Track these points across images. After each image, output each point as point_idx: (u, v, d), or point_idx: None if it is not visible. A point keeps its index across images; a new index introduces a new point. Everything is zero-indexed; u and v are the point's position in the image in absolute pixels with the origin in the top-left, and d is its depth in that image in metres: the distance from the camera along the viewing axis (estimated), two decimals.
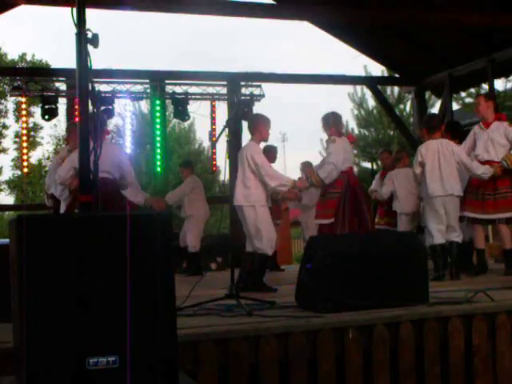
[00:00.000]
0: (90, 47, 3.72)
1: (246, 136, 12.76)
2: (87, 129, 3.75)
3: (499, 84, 22.71)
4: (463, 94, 18.07)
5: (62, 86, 12.31)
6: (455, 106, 16.84)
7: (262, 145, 7.91)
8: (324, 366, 4.63)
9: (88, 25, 3.75)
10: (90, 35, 3.68)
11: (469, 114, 18.05)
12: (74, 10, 3.69)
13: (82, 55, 3.62)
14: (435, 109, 18.32)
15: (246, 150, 7.46)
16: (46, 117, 12.00)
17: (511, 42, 11.92)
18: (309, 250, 5.56)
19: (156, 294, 3.22)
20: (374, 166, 13.76)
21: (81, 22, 3.65)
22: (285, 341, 4.56)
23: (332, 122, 8.08)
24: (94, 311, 3.08)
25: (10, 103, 30.41)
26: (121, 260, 3.18)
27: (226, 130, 6.36)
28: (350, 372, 4.71)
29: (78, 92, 3.69)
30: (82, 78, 3.63)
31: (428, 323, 4.98)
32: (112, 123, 21.19)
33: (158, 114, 12.51)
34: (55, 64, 33.33)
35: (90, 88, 3.83)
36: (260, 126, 7.62)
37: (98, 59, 3.83)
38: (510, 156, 8.18)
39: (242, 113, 11.94)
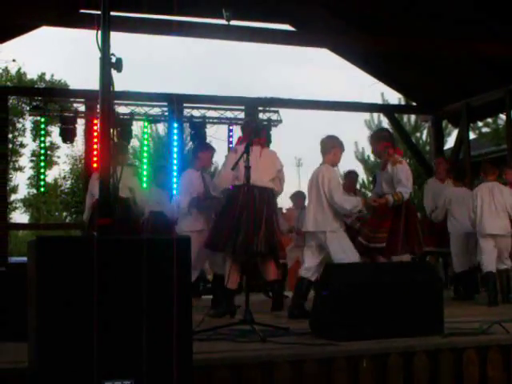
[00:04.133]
0: (113, 71, 3.75)
1: None
2: (109, 152, 3.77)
3: None
4: (480, 124, 18.05)
5: (81, 107, 12.39)
6: (472, 136, 16.82)
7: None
8: None
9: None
10: (113, 59, 3.71)
11: (485, 144, 18.04)
12: (99, 33, 3.72)
13: (105, 79, 3.65)
14: (452, 138, 18.30)
15: None
16: (64, 138, 12.09)
17: None
18: (325, 277, 5.55)
19: (172, 319, 3.23)
20: None
21: (105, 46, 3.68)
22: (299, 368, 4.55)
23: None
24: (110, 334, 3.08)
25: (27, 122, 30.69)
26: (138, 283, 3.19)
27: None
28: None
29: (100, 116, 3.72)
30: (104, 102, 3.66)
31: (443, 354, 4.95)
32: (129, 145, 21.29)
33: (175, 137, 12.54)
34: (73, 84, 33.50)
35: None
36: None
37: (117, 81, 3.86)
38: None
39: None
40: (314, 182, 7.50)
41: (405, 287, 5.39)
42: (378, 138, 7.91)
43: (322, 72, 70.72)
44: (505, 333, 5.39)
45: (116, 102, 11.30)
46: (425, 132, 21.13)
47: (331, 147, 7.61)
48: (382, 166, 7.92)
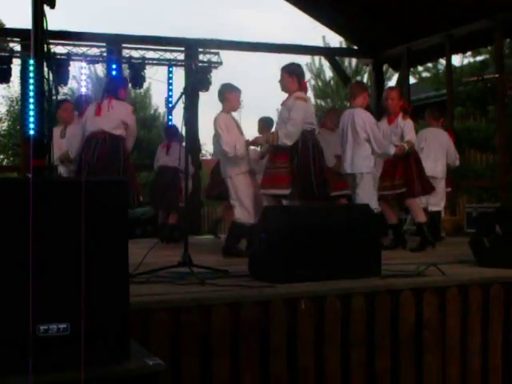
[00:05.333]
0: (46, 7, 3.63)
1: (202, 103, 12.73)
2: (43, 91, 3.68)
3: (456, 59, 22.83)
4: (420, 68, 18.16)
5: (17, 47, 12.08)
6: (412, 80, 16.92)
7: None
8: (275, 337, 4.63)
9: None
10: None
11: (425, 89, 18.19)
12: None
13: (38, 15, 3.53)
14: (392, 82, 18.40)
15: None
16: None
17: (469, 18, 11.98)
18: (263, 220, 5.55)
19: (109, 261, 3.18)
20: None
21: None
22: (237, 310, 4.55)
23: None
24: (45, 277, 3.03)
25: None
26: (74, 226, 3.14)
27: (183, 96, 6.26)
28: (301, 343, 4.72)
29: (32, 54, 3.60)
30: (37, 39, 3.55)
31: (379, 296, 5.01)
32: (67, 87, 20.92)
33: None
34: (10, 24, 32.64)
35: (45, 50, 3.75)
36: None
37: (54, 20, 3.74)
38: None
39: (199, 80, 11.86)
40: (349, 125, 8.00)
41: (343, 230, 5.42)
42: (400, 95, 8.71)
43: (263, 14, 70.26)
44: (440, 275, 5.48)
45: (52, 41, 11.03)
46: (366, 76, 21.24)
47: (361, 91, 8.31)
48: (389, 120, 8.52)
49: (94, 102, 8.45)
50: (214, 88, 12.70)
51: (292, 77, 7.50)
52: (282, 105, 7.64)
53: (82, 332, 3.01)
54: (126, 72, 13.55)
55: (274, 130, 8.13)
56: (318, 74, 22.59)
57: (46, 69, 3.78)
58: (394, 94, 8.56)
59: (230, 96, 7.87)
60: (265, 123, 9.76)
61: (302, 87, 7.61)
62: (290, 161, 7.37)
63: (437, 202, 9.59)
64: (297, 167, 7.33)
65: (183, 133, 7.77)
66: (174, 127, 10.85)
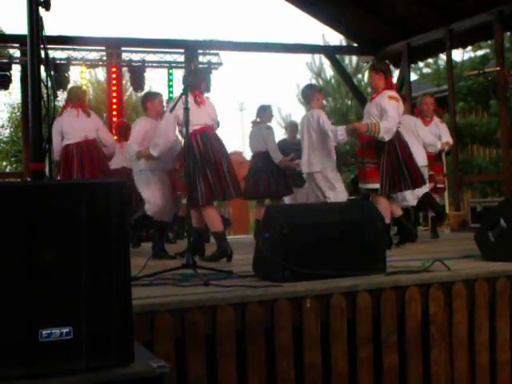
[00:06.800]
0: (42, 10, 3.61)
1: None
2: (40, 96, 3.66)
3: (457, 54, 22.78)
4: (421, 65, 18.13)
5: (16, 53, 12.07)
6: (413, 77, 16.89)
7: None
8: (281, 336, 4.61)
9: None
10: None
11: (426, 85, 18.16)
12: None
13: (33, 19, 3.50)
14: (393, 78, 18.35)
15: None
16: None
17: (469, 12, 11.95)
18: (266, 219, 5.52)
19: (111, 264, 3.16)
20: None
21: None
22: (242, 310, 4.53)
23: None
24: (46, 281, 3.01)
25: None
26: (75, 229, 3.12)
27: (183, 97, 6.22)
28: (308, 341, 4.69)
29: (29, 58, 3.58)
30: (33, 42, 3.52)
31: (385, 292, 4.98)
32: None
33: (114, 82, 12.35)
34: (9, 30, 32.63)
35: (44, 54, 3.72)
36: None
37: (53, 25, 3.72)
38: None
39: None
40: (406, 124, 8.71)
41: (347, 227, 5.39)
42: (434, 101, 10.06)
43: (263, 14, 70.24)
44: (446, 270, 5.45)
45: (51, 46, 11.03)
46: (366, 73, 21.18)
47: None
48: (426, 122, 9.72)
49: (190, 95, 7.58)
50: (214, 89, 12.74)
51: (378, 73, 8.11)
52: (370, 101, 8.29)
53: (85, 336, 2.99)
54: (127, 75, 13.58)
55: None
56: (319, 73, 22.55)
57: (44, 73, 3.76)
58: (430, 100, 9.93)
59: (318, 95, 8.82)
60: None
61: (389, 83, 8.14)
62: (376, 156, 7.90)
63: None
64: (384, 163, 7.85)
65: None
66: None
